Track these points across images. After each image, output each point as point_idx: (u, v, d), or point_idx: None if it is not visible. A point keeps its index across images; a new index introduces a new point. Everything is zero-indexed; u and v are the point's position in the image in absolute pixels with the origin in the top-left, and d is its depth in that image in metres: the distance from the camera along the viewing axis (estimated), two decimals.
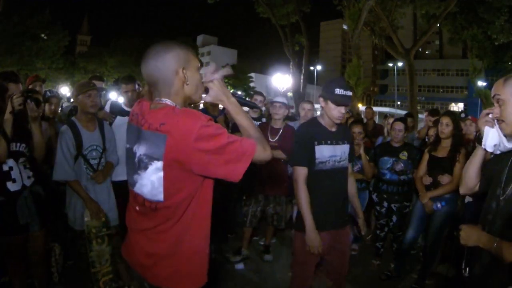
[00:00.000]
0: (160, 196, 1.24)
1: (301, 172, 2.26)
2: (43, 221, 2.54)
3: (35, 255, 2.56)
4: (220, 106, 4.00)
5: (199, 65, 1.34)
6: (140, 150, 1.26)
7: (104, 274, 2.62)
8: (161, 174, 1.21)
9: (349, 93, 2.24)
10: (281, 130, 3.63)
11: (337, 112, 2.24)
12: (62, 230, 3.20)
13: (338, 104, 2.22)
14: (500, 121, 1.47)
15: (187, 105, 1.35)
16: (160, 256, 1.30)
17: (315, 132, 2.32)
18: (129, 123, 1.39)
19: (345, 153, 2.40)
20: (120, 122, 3.07)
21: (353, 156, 2.55)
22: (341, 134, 2.40)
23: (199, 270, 1.35)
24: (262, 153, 1.22)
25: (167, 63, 1.25)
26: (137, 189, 1.31)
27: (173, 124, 1.18)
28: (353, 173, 3.56)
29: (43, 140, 2.52)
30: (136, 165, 1.28)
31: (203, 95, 1.37)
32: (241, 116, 1.33)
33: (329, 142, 2.32)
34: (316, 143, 2.28)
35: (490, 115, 1.54)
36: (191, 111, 1.22)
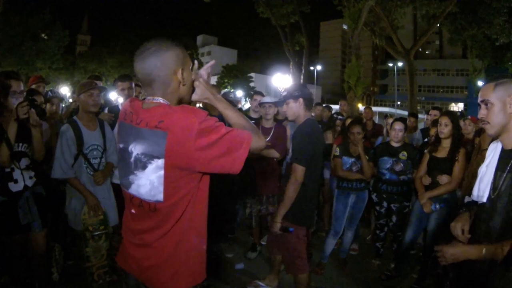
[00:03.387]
0: (160, 196, 1.22)
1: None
2: (44, 221, 2.55)
3: (35, 255, 2.56)
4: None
5: (192, 64, 1.34)
6: (138, 149, 1.23)
7: (98, 267, 2.63)
8: (162, 172, 1.19)
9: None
10: (272, 130, 3.66)
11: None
12: (62, 230, 3.21)
13: None
14: (485, 122, 1.55)
15: (179, 103, 1.34)
16: (160, 262, 1.28)
17: None
18: (121, 121, 1.35)
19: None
20: None
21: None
22: None
23: (198, 268, 1.35)
24: (258, 141, 1.24)
25: (167, 63, 1.23)
26: (133, 190, 1.27)
27: (172, 120, 1.17)
28: (349, 172, 3.58)
29: (42, 144, 2.55)
30: (132, 165, 1.25)
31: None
32: (229, 110, 1.35)
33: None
34: None
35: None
36: (189, 107, 1.22)
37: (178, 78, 1.26)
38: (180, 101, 1.32)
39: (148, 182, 1.22)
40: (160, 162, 1.18)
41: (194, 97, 1.36)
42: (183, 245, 1.28)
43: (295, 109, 2.56)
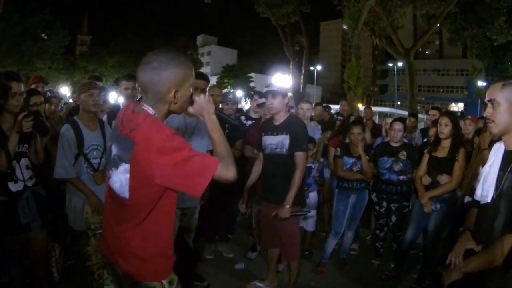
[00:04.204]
0: (126, 194, 1.31)
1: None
2: (44, 221, 2.55)
3: (35, 255, 2.56)
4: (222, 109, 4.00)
5: (193, 81, 1.39)
6: (114, 150, 1.37)
7: (99, 266, 2.62)
8: (127, 176, 1.28)
9: (271, 88, 2.83)
10: None
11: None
12: (62, 230, 3.21)
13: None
14: (490, 120, 1.57)
15: (167, 115, 1.40)
16: (124, 251, 1.37)
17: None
18: (116, 121, 1.47)
19: (282, 142, 2.82)
20: None
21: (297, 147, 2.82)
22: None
23: (160, 268, 1.41)
24: (224, 171, 1.27)
25: (163, 81, 1.29)
26: (111, 182, 1.40)
27: (140, 132, 1.25)
28: (350, 172, 3.58)
29: (42, 149, 2.57)
30: (112, 162, 1.39)
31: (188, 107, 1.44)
32: (216, 133, 1.41)
33: (269, 133, 2.90)
34: (263, 134, 2.95)
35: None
36: (159, 124, 1.27)
37: (170, 97, 1.32)
38: (169, 113, 1.39)
39: (119, 180, 1.33)
40: (127, 166, 1.28)
41: (190, 110, 1.43)
42: (146, 245, 1.35)
43: (282, 105, 2.84)
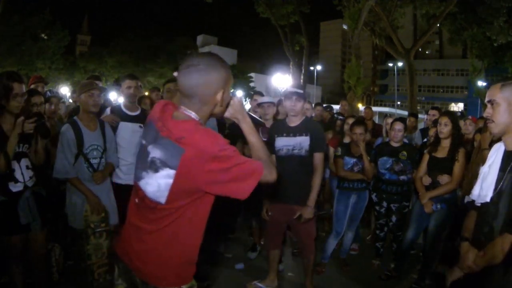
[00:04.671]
0: (163, 199, 1.28)
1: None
2: (44, 221, 2.55)
3: (35, 255, 2.56)
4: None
5: (232, 82, 1.40)
6: (155, 153, 1.29)
7: (99, 266, 2.63)
8: (170, 181, 1.25)
9: (297, 90, 2.88)
10: None
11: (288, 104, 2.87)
12: (62, 230, 3.21)
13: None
14: (490, 120, 1.59)
15: (208, 119, 1.40)
16: (148, 255, 1.33)
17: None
18: (150, 120, 1.41)
19: (301, 143, 2.88)
20: (125, 129, 3.03)
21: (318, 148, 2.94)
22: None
23: (184, 273, 1.38)
24: (269, 175, 1.30)
25: (210, 83, 1.28)
26: (142, 184, 1.34)
27: (192, 140, 1.23)
28: (350, 172, 3.58)
29: (43, 150, 2.56)
30: (147, 164, 1.31)
31: None
32: (253, 136, 1.41)
33: (284, 134, 2.94)
34: (276, 135, 2.97)
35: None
36: (212, 133, 1.28)
37: (217, 99, 1.32)
38: (210, 116, 1.39)
39: (156, 184, 1.28)
40: (171, 172, 1.24)
41: (226, 114, 1.43)
42: (173, 247, 1.33)
43: (303, 108, 2.95)
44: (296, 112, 2.92)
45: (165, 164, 1.26)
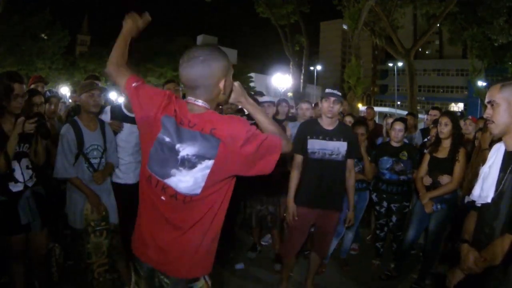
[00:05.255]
0: (198, 190, 1.30)
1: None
2: (44, 221, 2.55)
3: (35, 255, 2.56)
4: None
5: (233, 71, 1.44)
6: (188, 150, 1.30)
7: (99, 265, 2.63)
8: (208, 171, 1.29)
9: (336, 92, 2.81)
10: None
11: (326, 105, 2.80)
12: (62, 230, 3.21)
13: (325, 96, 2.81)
14: (490, 121, 1.58)
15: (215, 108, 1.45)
16: (185, 250, 1.35)
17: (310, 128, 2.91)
18: (167, 116, 1.34)
19: (339, 148, 2.85)
20: (128, 131, 3.02)
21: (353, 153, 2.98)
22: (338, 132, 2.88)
23: (211, 259, 1.44)
24: (286, 146, 1.35)
25: (213, 73, 1.32)
26: (172, 182, 1.32)
27: (224, 128, 1.28)
28: (355, 173, 3.58)
29: (43, 150, 2.57)
30: (179, 162, 1.31)
31: None
32: (260, 114, 1.46)
33: (320, 137, 2.85)
34: (309, 137, 2.86)
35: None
36: (235, 117, 1.35)
37: (220, 87, 1.36)
38: (216, 104, 1.44)
39: (193, 179, 1.30)
40: (210, 163, 1.28)
41: (230, 99, 1.48)
42: (207, 236, 1.37)
43: (339, 111, 2.95)
44: (333, 114, 2.83)
45: (202, 158, 1.28)
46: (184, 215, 1.34)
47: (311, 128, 2.92)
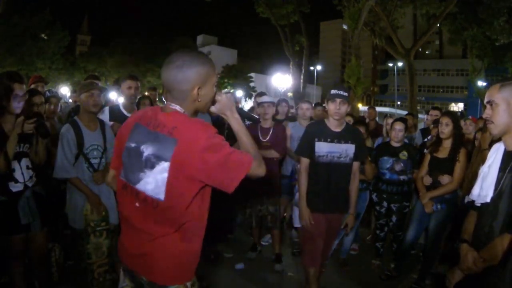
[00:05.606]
0: (162, 196, 1.29)
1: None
2: (44, 221, 2.55)
3: (35, 255, 2.56)
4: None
5: (216, 81, 1.43)
6: (149, 149, 1.32)
7: (99, 265, 2.63)
8: (166, 175, 1.28)
9: (342, 92, 2.67)
10: (271, 130, 3.63)
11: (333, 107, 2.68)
12: (62, 230, 3.21)
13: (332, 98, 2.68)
14: (489, 121, 1.58)
15: (195, 114, 1.44)
16: (156, 256, 1.34)
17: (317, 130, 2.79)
18: (137, 123, 1.42)
19: (347, 151, 2.75)
20: None
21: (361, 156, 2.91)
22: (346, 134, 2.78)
23: (189, 267, 1.42)
24: (257, 168, 1.31)
25: (186, 78, 1.33)
26: (141, 186, 1.35)
27: (183, 130, 1.28)
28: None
29: (44, 150, 2.56)
30: (143, 164, 1.33)
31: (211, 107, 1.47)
32: (241, 132, 1.43)
33: (329, 140, 2.74)
34: (316, 139, 2.75)
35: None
36: (201, 122, 1.33)
37: (194, 95, 1.36)
38: (196, 111, 1.43)
39: (154, 180, 1.31)
40: (166, 165, 1.27)
41: (213, 109, 1.47)
42: (184, 246, 1.35)
43: (346, 112, 2.80)
44: (340, 116, 2.71)
45: (159, 158, 1.29)
46: (155, 221, 1.33)
47: (318, 130, 2.82)
